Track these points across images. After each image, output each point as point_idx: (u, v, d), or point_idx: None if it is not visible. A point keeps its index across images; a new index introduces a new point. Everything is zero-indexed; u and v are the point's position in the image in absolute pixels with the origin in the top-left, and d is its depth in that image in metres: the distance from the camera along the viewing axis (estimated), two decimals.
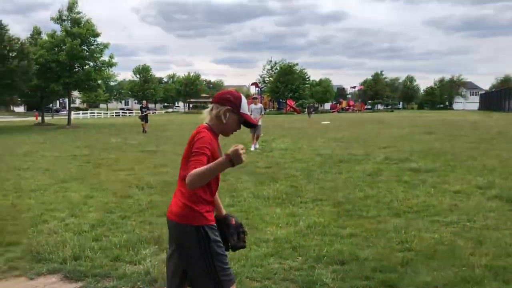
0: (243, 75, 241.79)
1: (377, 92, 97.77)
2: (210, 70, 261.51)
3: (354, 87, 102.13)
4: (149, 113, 25.14)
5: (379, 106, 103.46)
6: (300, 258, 4.45)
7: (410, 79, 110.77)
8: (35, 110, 71.46)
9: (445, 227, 5.38)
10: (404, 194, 7.14)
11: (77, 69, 29.82)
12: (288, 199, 6.95)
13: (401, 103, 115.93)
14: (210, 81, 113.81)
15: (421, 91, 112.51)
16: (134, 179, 9.00)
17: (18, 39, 26.14)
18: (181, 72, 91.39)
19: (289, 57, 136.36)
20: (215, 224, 2.59)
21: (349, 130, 24.47)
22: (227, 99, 2.60)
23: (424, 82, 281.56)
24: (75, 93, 52.08)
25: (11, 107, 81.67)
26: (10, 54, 24.94)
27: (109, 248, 4.81)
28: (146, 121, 23.45)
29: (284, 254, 4.56)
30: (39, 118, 37.46)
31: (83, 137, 20.82)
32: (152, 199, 7.11)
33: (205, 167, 2.28)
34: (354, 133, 21.64)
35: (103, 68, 30.13)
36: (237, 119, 2.61)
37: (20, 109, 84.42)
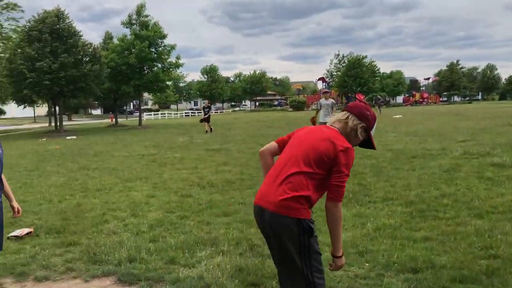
0: (309, 71, 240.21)
1: (453, 83, 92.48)
2: (276, 67, 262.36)
3: (428, 79, 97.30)
4: (212, 112, 24.93)
5: (456, 98, 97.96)
6: (367, 264, 4.02)
7: (491, 67, 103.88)
8: (110, 112, 75.36)
9: None
10: (487, 192, 6.39)
11: (146, 71, 30.81)
12: (355, 198, 6.46)
13: (480, 94, 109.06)
14: (276, 78, 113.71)
15: (503, 80, 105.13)
16: (196, 177, 8.92)
17: (91, 44, 27.45)
18: (247, 71, 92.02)
19: (357, 50, 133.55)
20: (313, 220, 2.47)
21: (423, 123, 23.17)
22: (366, 117, 2.58)
23: (506, 71, 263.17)
24: (146, 95, 54.10)
25: (89, 110, 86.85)
26: (84, 59, 26.22)
27: (164, 249, 4.65)
28: (208, 121, 23.11)
29: (349, 259, 4.13)
30: (114, 120, 39.17)
31: (152, 137, 21.38)
32: (212, 198, 6.94)
33: (339, 228, 2.42)
34: (429, 126, 20.43)
35: (170, 69, 30.91)
36: (364, 137, 2.60)
37: (97, 111, 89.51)
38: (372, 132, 2.62)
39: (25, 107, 38.79)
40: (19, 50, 24.23)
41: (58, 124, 27.87)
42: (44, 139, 23.31)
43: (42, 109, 68.07)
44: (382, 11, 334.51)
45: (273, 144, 2.78)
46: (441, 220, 5.20)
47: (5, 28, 31.88)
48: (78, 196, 7.59)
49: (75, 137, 22.94)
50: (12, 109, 64.90)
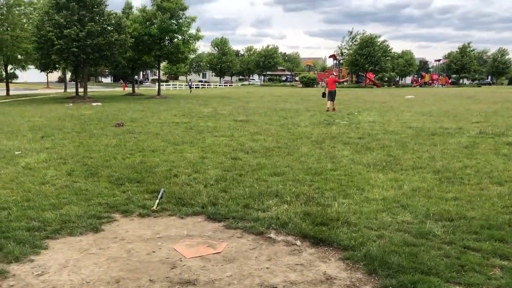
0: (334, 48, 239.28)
1: (463, 66, 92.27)
2: (302, 43, 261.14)
3: (438, 60, 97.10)
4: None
5: (465, 81, 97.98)
6: (410, 214, 4.94)
7: (502, 52, 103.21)
8: (121, 81, 76.04)
9: None
10: (504, 166, 7.30)
11: (167, 42, 31.44)
12: (388, 166, 7.37)
13: (489, 77, 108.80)
14: (285, 53, 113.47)
15: None
16: (236, 144, 9.81)
17: (116, 13, 28.01)
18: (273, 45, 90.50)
19: (391, 30, 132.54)
20: None
21: (435, 104, 23.93)
22: None
23: None
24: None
25: (99, 78, 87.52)
26: (109, 28, 26.83)
27: (236, 198, 5.58)
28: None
29: (394, 211, 5.07)
30: (126, 89, 39.85)
31: (176, 107, 22.23)
32: (259, 161, 7.84)
33: None
34: (442, 108, 21.21)
35: (190, 41, 31.50)
36: None
37: (107, 80, 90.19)
38: None
39: (48, 73, 39.54)
40: (46, 18, 24.86)
41: (83, 90, 28.61)
42: (71, 104, 24.18)
43: (53, 75, 68.62)
44: None
45: None
46: (466, 186, 6.12)
47: None
48: (137, 155, 8.51)
49: (100, 103, 23.79)
50: (24, 74, 65.59)
